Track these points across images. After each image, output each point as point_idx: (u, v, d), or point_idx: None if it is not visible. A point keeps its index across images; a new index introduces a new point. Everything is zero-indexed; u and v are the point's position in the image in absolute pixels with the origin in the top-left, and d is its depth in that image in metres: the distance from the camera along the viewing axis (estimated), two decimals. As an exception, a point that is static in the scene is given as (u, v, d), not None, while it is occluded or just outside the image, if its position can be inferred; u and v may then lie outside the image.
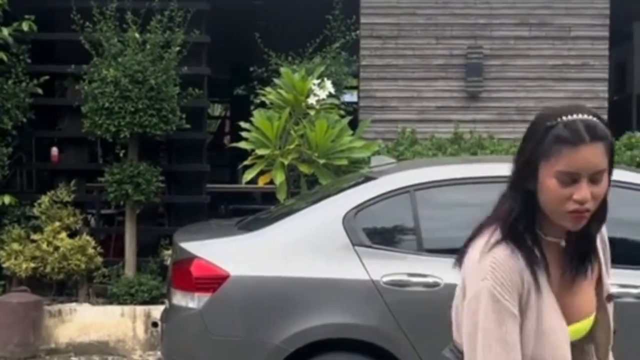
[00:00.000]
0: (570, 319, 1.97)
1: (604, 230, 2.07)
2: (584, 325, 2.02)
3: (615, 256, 4.43)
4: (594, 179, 1.87)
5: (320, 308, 4.26)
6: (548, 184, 1.88)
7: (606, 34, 8.14)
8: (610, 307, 2.10)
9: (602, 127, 1.88)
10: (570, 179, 1.86)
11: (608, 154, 1.88)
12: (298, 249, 4.40)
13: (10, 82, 7.50)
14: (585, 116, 1.87)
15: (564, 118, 1.87)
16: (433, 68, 8.13)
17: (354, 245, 4.31)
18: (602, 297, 2.08)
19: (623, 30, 9.39)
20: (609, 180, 1.92)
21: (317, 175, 6.35)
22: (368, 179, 4.74)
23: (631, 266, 4.35)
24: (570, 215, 1.89)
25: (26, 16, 7.53)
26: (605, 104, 8.19)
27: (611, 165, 1.90)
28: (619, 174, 4.66)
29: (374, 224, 4.48)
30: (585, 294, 2.03)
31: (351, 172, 6.07)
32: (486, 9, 8.11)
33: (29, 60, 7.68)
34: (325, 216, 4.48)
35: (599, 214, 1.96)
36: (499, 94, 8.10)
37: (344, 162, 6.28)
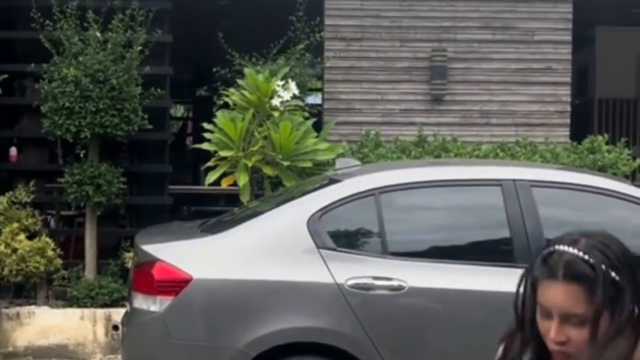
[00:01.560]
0: None
1: None
2: None
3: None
4: (572, 323, 1.67)
5: (284, 311, 4.23)
6: (538, 311, 1.75)
7: (569, 38, 8.21)
8: None
9: (582, 267, 1.66)
10: (546, 313, 1.70)
11: (589, 298, 1.64)
12: (262, 252, 4.36)
13: (-32, 81, 7.38)
14: (574, 250, 1.69)
15: (555, 247, 1.71)
16: (397, 71, 8.14)
17: (318, 248, 4.29)
18: None
19: (585, 35, 9.48)
20: (605, 331, 1.66)
21: (281, 178, 6.34)
22: (333, 181, 4.73)
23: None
24: (555, 353, 1.71)
25: None
26: (568, 107, 8.27)
27: (602, 312, 1.65)
28: (584, 179, 4.72)
29: (339, 227, 4.46)
30: None
31: (315, 175, 6.06)
32: (451, 12, 8.14)
33: (-13, 59, 7.57)
34: (290, 219, 4.45)
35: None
36: (463, 97, 8.13)
37: (308, 164, 6.26)
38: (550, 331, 1.68)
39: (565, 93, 8.25)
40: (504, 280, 4.28)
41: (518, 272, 4.34)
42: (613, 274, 1.66)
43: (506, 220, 4.39)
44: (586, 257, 1.67)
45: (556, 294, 1.67)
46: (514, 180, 4.48)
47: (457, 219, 4.65)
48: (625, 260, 1.69)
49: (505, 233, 4.42)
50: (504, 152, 7.55)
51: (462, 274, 4.32)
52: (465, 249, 4.57)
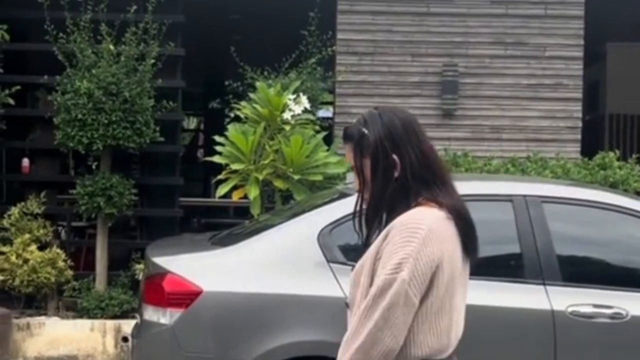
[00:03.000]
0: None
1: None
2: None
3: (591, 276, 4.48)
4: (355, 172, 2.24)
5: (294, 325, 4.23)
6: None
7: (580, 54, 8.21)
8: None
9: (350, 129, 2.25)
10: None
11: (355, 152, 2.21)
12: (272, 265, 4.37)
13: (-19, 92, 7.44)
14: (353, 120, 2.28)
15: None
16: (408, 85, 8.16)
17: (328, 262, 4.29)
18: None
19: (596, 51, 9.49)
20: (363, 173, 2.21)
21: (292, 191, 6.35)
22: (344, 195, 4.71)
23: (606, 286, 4.38)
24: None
25: None
26: (579, 123, 8.26)
27: (362, 160, 2.20)
28: (595, 195, 4.71)
29: (350, 241, 4.45)
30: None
31: (326, 188, 6.07)
32: (462, 27, 8.16)
33: (1, 71, 7.63)
34: (301, 232, 4.46)
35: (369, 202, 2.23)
36: (474, 112, 8.14)
37: (319, 177, 6.28)
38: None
39: (576, 109, 8.25)
40: (512, 296, 4.30)
41: (528, 288, 4.37)
42: (364, 130, 2.20)
43: (516, 235, 4.38)
44: (354, 121, 2.26)
45: (346, 154, 2.29)
46: (524, 196, 4.47)
47: None
48: (387, 120, 2.20)
49: (515, 248, 4.41)
50: (515, 168, 7.54)
51: (470, 289, 4.31)
52: (474, 265, 4.55)
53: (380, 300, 2.05)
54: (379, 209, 2.21)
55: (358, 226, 2.30)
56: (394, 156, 2.16)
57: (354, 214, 2.33)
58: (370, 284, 2.12)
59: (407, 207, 2.15)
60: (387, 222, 2.17)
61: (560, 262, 4.37)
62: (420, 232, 2.08)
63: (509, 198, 4.49)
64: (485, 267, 4.43)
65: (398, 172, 2.17)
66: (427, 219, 2.11)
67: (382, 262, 2.09)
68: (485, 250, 4.50)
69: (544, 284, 4.30)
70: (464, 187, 4.85)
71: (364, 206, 2.26)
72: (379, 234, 2.19)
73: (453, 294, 2.17)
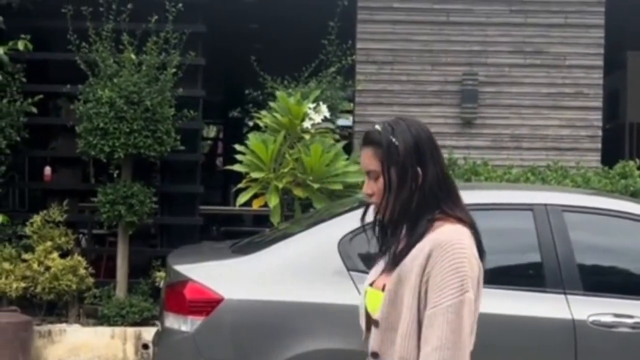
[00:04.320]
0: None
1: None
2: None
3: (612, 285, 4.46)
4: (372, 177, 2.25)
5: (314, 333, 4.24)
6: None
7: (601, 63, 8.18)
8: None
9: (373, 135, 2.25)
10: (365, 174, 2.30)
11: (378, 157, 2.22)
12: (292, 273, 4.38)
13: (4, 101, 7.52)
14: (375, 126, 2.26)
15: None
16: (428, 94, 8.15)
17: (349, 270, 4.29)
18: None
19: (617, 59, 9.45)
20: (389, 182, 2.21)
21: (312, 199, 6.36)
22: (364, 204, 4.71)
23: (627, 296, 4.36)
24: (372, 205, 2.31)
25: (22, 35, 7.53)
26: (599, 132, 8.22)
27: (390, 169, 2.20)
28: (616, 204, 4.70)
29: (369, 250, 4.45)
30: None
31: (345, 197, 6.07)
32: (481, 36, 8.15)
33: (24, 80, 7.70)
34: (321, 241, 4.46)
35: (385, 208, 2.26)
36: (494, 121, 8.12)
37: (339, 186, 6.29)
38: (364, 187, 2.30)
39: (596, 117, 8.22)
40: (533, 305, 4.28)
41: (548, 297, 4.36)
42: (393, 139, 2.20)
43: (537, 244, 4.37)
44: (378, 128, 2.25)
45: (362, 157, 2.29)
46: (545, 205, 4.46)
47: (486, 243, 4.63)
48: (415, 132, 2.23)
49: (535, 258, 4.40)
50: (535, 176, 7.52)
51: (491, 298, 4.31)
52: (495, 274, 4.53)
53: (457, 326, 2.07)
54: (403, 219, 2.24)
55: (375, 233, 2.36)
56: (419, 169, 2.20)
57: (362, 217, 2.39)
58: (418, 307, 2.15)
59: (430, 221, 2.19)
60: (411, 234, 2.21)
61: (581, 271, 4.36)
62: (466, 251, 2.12)
63: (529, 207, 4.47)
64: (506, 276, 4.44)
65: (420, 185, 2.21)
66: (465, 237, 2.16)
67: (437, 287, 2.10)
68: (506, 259, 4.59)
69: (564, 293, 4.28)
70: (484, 196, 4.92)
71: (382, 213, 2.28)
72: (405, 245, 2.22)
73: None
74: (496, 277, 4.44)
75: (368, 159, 2.25)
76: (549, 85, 8.15)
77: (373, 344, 2.29)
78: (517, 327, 4.25)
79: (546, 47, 8.16)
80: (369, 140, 2.26)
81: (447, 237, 2.14)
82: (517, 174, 7.56)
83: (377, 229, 2.34)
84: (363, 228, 2.42)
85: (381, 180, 2.22)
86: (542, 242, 4.37)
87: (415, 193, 2.20)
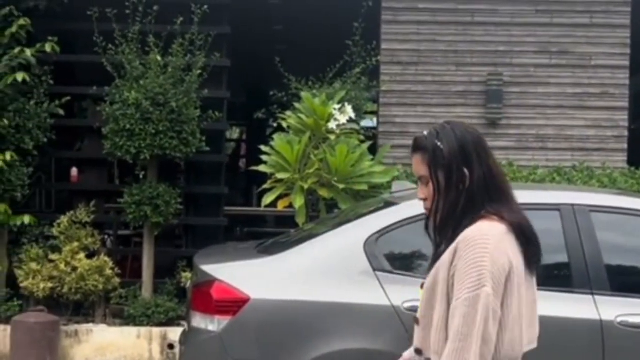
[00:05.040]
0: None
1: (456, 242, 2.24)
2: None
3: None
4: (424, 183, 2.33)
5: (340, 333, 4.24)
6: None
7: (627, 63, 8.14)
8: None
9: (420, 140, 2.32)
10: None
11: (425, 162, 2.29)
12: (318, 274, 4.38)
13: (32, 102, 7.57)
14: (423, 132, 2.33)
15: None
16: (452, 94, 8.15)
17: (374, 270, 4.30)
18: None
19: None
20: (438, 185, 2.28)
21: (337, 200, 6.37)
22: (389, 204, 4.75)
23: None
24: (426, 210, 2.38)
25: (49, 37, 7.58)
26: (625, 132, 8.18)
27: (437, 172, 2.27)
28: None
29: (395, 250, 4.47)
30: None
31: (370, 197, 6.07)
32: (506, 36, 8.13)
33: (51, 82, 7.74)
34: (347, 241, 4.47)
35: (435, 211, 2.32)
36: (519, 121, 8.10)
37: (364, 187, 6.29)
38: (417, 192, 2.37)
39: (622, 118, 8.17)
40: (560, 305, 4.26)
41: (576, 298, 4.33)
42: (438, 143, 2.27)
43: (564, 245, 4.36)
44: (425, 133, 2.32)
45: (413, 163, 2.36)
46: (572, 205, 4.44)
47: None
48: (460, 135, 2.28)
49: (563, 258, 4.38)
50: (561, 177, 7.49)
51: None
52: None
53: (471, 318, 2.10)
54: (450, 220, 2.28)
55: (432, 235, 2.39)
56: (465, 170, 2.25)
57: (426, 223, 2.43)
58: (448, 301, 2.20)
59: (473, 220, 2.23)
60: (455, 233, 2.24)
61: (608, 272, 4.34)
62: (490, 246, 2.14)
63: (556, 207, 4.46)
64: None
65: (467, 186, 2.26)
66: (492, 233, 2.18)
67: (459, 280, 2.15)
68: None
69: (592, 294, 4.27)
70: None
71: (433, 216, 2.34)
72: (447, 244, 2.26)
73: (522, 304, 2.24)
74: None
75: (417, 164, 2.33)
76: (574, 85, 8.12)
77: (416, 341, 2.34)
78: (545, 328, 4.20)
79: (572, 47, 8.13)
80: (417, 146, 2.33)
81: (473, 232, 2.19)
82: (542, 175, 7.54)
83: (431, 231, 2.38)
84: (427, 233, 2.44)
85: (431, 184, 2.29)
86: (570, 243, 4.35)
87: (462, 194, 2.26)
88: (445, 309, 2.19)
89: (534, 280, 2.36)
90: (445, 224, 2.29)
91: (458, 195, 2.25)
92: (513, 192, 2.36)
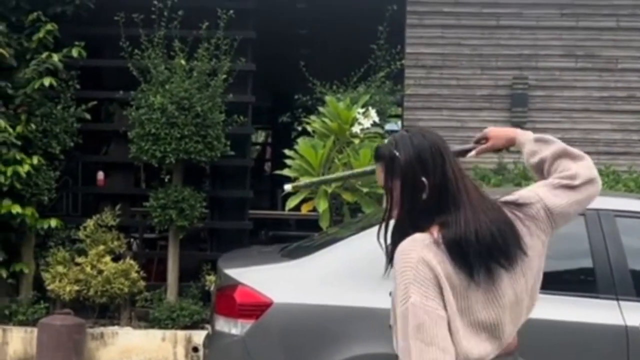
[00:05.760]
0: None
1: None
2: None
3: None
4: (385, 191, 2.28)
5: (363, 337, 4.24)
6: None
7: (653, 66, 8.09)
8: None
9: (380, 150, 2.29)
10: None
11: (387, 172, 2.25)
12: (341, 278, 4.39)
13: (59, 107, 7.66)
14: (385, 140, 2.33)
15: None
16: (478, 98, 8.13)
17: (398, 274, 4.29)
18: None
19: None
20: (393, 194, 2.24)
21: (360, 204, 6.38)
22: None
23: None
24: None
25: (76, 43, 7.67)
26: (652, 136, 8.13)
27: (393, 181, 2.23)
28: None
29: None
30: None
31: (394, 201, 6.06)
32: (531, 40, 8.10)
33: (77, 86, 7.83)
34: (370, 245, 4.44)
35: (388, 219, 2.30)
36: (544, 125, 8.04)
37: (388, 191, 6.27)
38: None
39: (649, 121, 8.12)
40: (585, 310, 4.26)
41: (600, 303, 4.30)
42: (396, 152, 2.23)
43: (589, 250, 4.35)
44: (385, 141, 2.31)
45: (376, 172, 2.33)
46: (597, 210, 4.41)
47: None
48: (417, 142, 2.23)
49: (587, 263, 4.38)
50: (586, 181, 7.44)
51: (542, 303, 4.27)
52: (545, 279, 4.48)
53: (405, 332, 2.10)
54: (405, 229, 2.23)
55: (384, 244, 2.35)
56: (423, 179, 2.20)
57: (378, 232, 2.36)
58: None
59: (427, 228, 2.20)
60: None
61: (633, 277, 4.32)
62: (409, 258, 2.11)
63: (581, 212, 4.44)
64: (558, 282, 4.36)
65: (426, 194, 2.20)
66: (414, 246, 2.15)
67: (395, 296, 2.16)
68: (558, 265, 4.54)
69: (617, 299, 4.26)
70: None
71: (386, 224, 2.31)
72: None
73: (473, 310, 2.16)
74: (547, 282, 4.40)
75: (379, 173, 2.31)
76: (600, 89, 8.07)
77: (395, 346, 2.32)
78: (569, 333, 4.22)
79: (598, 50, 8.08)
80: (376, 155, 2.31)
81: (398, 249, 2.17)
82: (568, 179, 7.48)
83: (382, 240, 2.35)
84: (377, 235, 2.38)
85: (394, 195, 2.26)
86: (594, 248, 4.35)
87: (419, 203, 2.20)
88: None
89: (499, 288, 2.21)
90: (399, 232, 2.25)
91: (414, 204, 2.21)
92: (474, 192, 2.27)
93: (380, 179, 2.29)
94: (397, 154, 2.22)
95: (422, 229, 2.20)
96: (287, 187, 2.85)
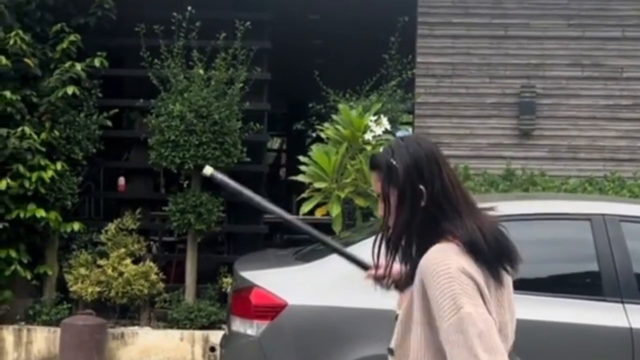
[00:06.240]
0: None
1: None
2: None
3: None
4: (381, 200, 2.24)
5: (376, 338, 4.20)
6: None
7: (658, 75, 8.20)
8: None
9: (376, 158, 2.26)
10: None
11: (383, 180, 2.21)
12: (354, 280, 4.42)
13: (82, 115, 7.79)
14: (381, 149, 2.27)
15: None
16: (486, 106, 8.24)
17: (409, 276, 4.41)
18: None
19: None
20: (391, 202, 2.19)
21: (372, 208, 6.46)
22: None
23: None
24: None
25: (98, 52, 7.80)
26: (657, 143, 8.24)
27: (391, 190, 2.19)
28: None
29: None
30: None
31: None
32: (539, 50, 8.21)
33: (99, 95, 7.95)
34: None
35: (387, 229, 2.25)
36: (551, 132, 8.16)
37: (399, 196, 6.39)
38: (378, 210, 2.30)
39: (653, 129, 8.23)
40: (590, 313, 4.34)
41: (605, 306, 4.37)
42: (392, 160, 2.19)
43: (595, 254, 4.42)
44: (380, 150, 2.25)
45: (372, 181, 2.29)
46: (603, 215, 4.49)
47: (544, 253, 4.62)
48: (412, 151, 2.19)
49: (593, 267, 4.44)
50: (592, 187, 7.57)
51: (549, 306, 4.36)
52: (552, 283, 4.57)
53: (463, 342, 1.99)
54: (405, 238, 2.21)
55: (377, 252, 2.29)
56: (421, 187, 2.16)
57: (375, 240, 2.30)
58: (427, 330, 2.11)
59: (435, 237, 2.16)
60: (419, 251, 2.18)
61: (638, 281, 4.38)
62: (451, 270, 2.05)
63: (587, 217, 4.51)
64: (564, 285, 4.52)
65: (425, 202, 2.16)
66: (448, 256, 2.10)
67: (437, 312, 2.05)
68: (564, 268, 4.65)
69: (622, 302, 4.32)
70: (542, 206, 4.94)
71: (386, 234, 2.25)
72: (408, 263, 2.24)
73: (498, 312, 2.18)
74: (554, 285, 4.51)
75: (375, 182, 2.27)
76: (606, 97, 8.17)
77: None
78: (575, 335, 4.29)
79: (603, 59, 8.18)
80: (372, 164, 2.27)
81: (429, 261, 2.09)
82: (574, 185, 7.61)
83: (375, 249, 2.29)
84: (374, 244, 2.33)
85: (391, 202, 2.21)
86: (600, 252, 4.40)
87: (418, 213, 2.16)
88: (425, 336, 2.11)
89: (505, 292, 2.21)
90: (398, 241, 2.21)
91: (413, 213, 2.16)
92: (470, 198, 2.23)
93: (377, 187, 2.24)
94: (394, 162, 2.18)
95: (428, 237, 2.15)
96: (207, 169, 2.85)
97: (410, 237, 2.20)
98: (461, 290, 2.02)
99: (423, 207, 2.16)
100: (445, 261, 2.07)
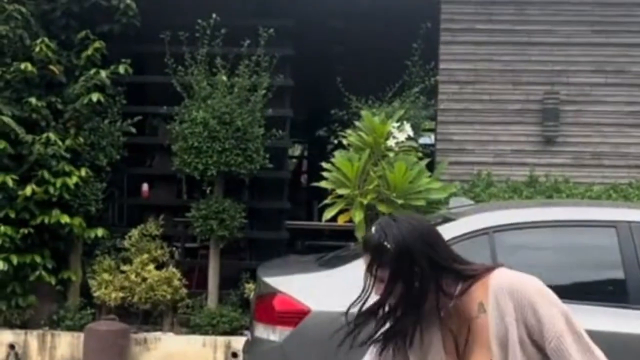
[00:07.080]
0: None
1: None
2: None
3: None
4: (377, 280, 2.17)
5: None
6: None
7: (683, 81, 8.15)
8: None
9: (368, 239, 2.18)
10: None
11: (375, 261, 2.14)
12: (377, 286, 4.51)
13: (106, 121, 7.87)
14: (372, 230, 2.17)
15: None
16: (509, 113, 8.22)
17: (431, 283, 4.41)
18: None
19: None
20: (392, 285, 2.14)
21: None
22: (447, 219, 4.80)
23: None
24: None
25: (122, 60, 7.88)
26: (681, 150, 8.18)
27: (383, 271, 2.14)
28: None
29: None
30: None
31: (428, 213, 6.18)
32: (563, 56, 8.18)
33: (124, 101, 8.03)
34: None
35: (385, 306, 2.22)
36: (575, 139, 8.13)
37: (422, 202, 6.40)
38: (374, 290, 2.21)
39: (678, 135, 8.17)
40: (615, 321, 4.29)
41: (631, 313, 4.33)
42: (387, 245, 2.13)
43: (621, 261, 4.40)
44: (372, 231, 2.17)
45: (364, 261, 2.19)
46: (629, 222, 4.47)
47: (569, 260, 4.61)
48: (406, 233, 2.14)
49: (619, 274, 4.42)
50: (617, 194, 7.54)
51: (574, 314, 4.35)
52: (578, 290, 4.50)
53: (587, 344, 2.22)
54: (412, 315, 2.20)
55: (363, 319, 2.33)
56: (415, 268, 2.14)
57: (350, 306, 2.36)
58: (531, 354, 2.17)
59: (436, 292, 2.18)
60: (464, 289, 2.21)
61: (665, 288, 4.34)
62: (535, 279, 2.22)
63: (612, 224, 4.49)
64: (589, 292, 4.46)
65: (418, 282, 2.15)
66: (518, 272, 2.22)
67: (549, 322, 2.17)
68: (589, 275, 4.62)
69: (648, 310, 4.29)
70: (567, 212, 4.93)
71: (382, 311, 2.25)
72: (464, 300, 2.22)
73: None
74: (579, 293, 4.40)
75: (367, 262, 2.21)
76: (630, 103, 8.11)
77: None
78: (599, 343, 4.22)
79: (627, 66, 8.14)
80: (365, 246, 2.21)
81: (520, 280, 2.18)
82: (599, 191, 7.58)
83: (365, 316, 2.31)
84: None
85: (388, 284, 2.17)
86: (626, 259, 4.38)
87: (413, 288, 2.15)
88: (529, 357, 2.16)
89: None
90: (406, 319, 2.20)
91: (410, 284, 2.14)
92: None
93: (371, 268, 2.18)
94: (388, 245, 2.14)
95: (431, 296, 2.17)
96: None
97: (415, 310, 2.19)
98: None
99: (418, 285, 2.15)
100: (528, 278, 2.19)
